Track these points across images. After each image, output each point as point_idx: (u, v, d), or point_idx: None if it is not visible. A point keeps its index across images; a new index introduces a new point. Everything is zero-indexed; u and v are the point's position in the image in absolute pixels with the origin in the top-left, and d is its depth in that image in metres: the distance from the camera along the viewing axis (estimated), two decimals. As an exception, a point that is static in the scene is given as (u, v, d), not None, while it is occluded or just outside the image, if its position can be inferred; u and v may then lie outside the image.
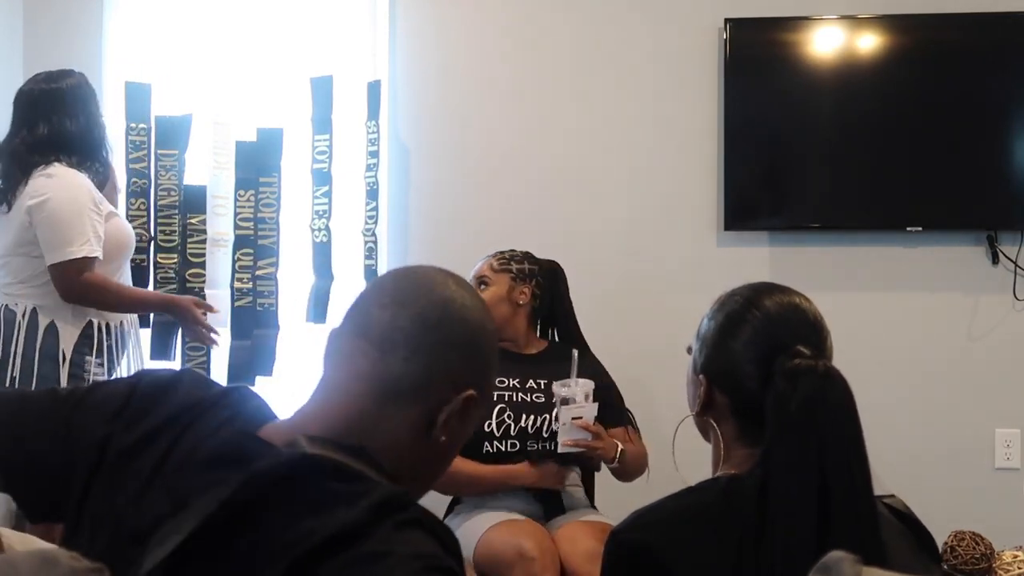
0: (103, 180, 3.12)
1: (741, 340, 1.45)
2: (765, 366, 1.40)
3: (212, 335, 3.26)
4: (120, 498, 1.11)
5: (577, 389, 2.77)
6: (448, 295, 1.19)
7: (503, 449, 2.86)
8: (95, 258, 2.96)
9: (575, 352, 2.89)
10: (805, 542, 1.28)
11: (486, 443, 2.85)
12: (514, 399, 2.89)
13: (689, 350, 1.55)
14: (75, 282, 2.94)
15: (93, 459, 1.14)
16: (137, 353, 3.24)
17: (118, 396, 1.19)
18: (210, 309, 3.29)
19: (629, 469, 2.89)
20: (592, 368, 2.96)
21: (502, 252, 3.06)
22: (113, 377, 3.05)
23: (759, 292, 1.49)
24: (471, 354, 1.19)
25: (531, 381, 2.92)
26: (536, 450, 2.84)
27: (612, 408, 2.94)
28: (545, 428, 2.86)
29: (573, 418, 2.74)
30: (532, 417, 2.87)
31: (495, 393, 2.86)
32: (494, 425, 2.85)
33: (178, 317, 3.25)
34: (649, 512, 1.43)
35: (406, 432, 1.14)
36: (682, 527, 1.38)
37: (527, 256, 3.06)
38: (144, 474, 1.11)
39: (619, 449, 2.82)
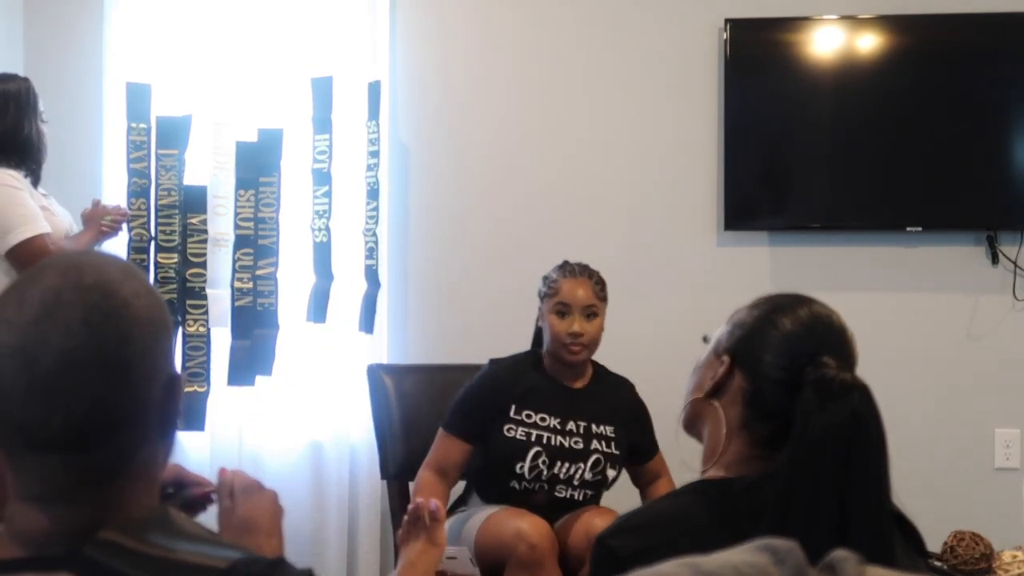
0: (36, 180, 3.24)
1: (784, 330, 1.45)
2: (801, 359, 1.40)
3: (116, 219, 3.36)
4: None
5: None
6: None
7: (531, 489, 2.82)
8: (47, 233, 3.07)
9: None
10: (821, 548, 1.29)
11: (514, 482, 2.82)
12: (552, 443, 2.83)
13: (705, 339, 1.56)
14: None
15: None
16: None
17: None
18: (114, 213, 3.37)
19: None
20: (626, 396, 3.00)
21: (588, 268, 2.93)
22: None
23: (809, 298, 1.51)
24: None
25: (571, 423, 2.87)
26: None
27: (646, 437, 2.98)
28: (577, 477, 2.83)
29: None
30: (567, 465, 2.83)
31: (533, 432, 2.84)
32: (526, 468, 2.80)
33: (91, 231, 3.31)
34: (634, 516, 1.44)
35: None
36: (668, 531, 1.38)
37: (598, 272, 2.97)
38: None
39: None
